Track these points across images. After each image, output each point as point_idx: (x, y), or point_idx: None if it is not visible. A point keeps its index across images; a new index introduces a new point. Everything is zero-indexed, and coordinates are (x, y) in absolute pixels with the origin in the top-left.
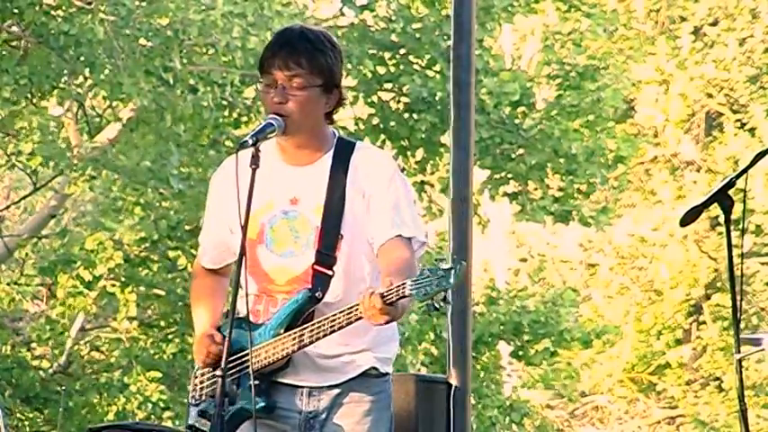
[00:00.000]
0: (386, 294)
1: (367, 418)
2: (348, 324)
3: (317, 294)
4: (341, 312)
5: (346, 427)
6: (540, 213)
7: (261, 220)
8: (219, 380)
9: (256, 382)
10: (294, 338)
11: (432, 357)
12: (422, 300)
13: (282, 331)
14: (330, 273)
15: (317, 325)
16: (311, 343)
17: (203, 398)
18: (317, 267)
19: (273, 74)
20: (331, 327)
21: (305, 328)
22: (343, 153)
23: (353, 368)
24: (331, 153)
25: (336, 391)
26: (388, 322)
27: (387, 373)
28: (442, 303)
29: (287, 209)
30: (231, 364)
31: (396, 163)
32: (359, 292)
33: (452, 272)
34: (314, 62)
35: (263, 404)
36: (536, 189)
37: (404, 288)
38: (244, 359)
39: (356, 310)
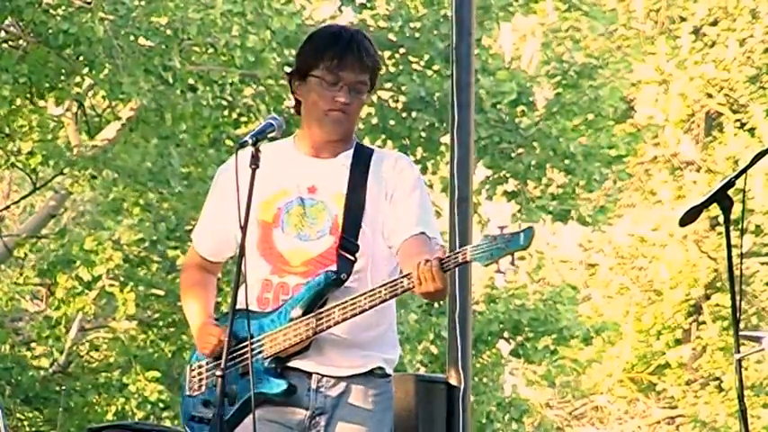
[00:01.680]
0: (444, 260)
1: (370, 417)
2: (392, 297)
3: (342, 276)
4: (382, 286)
5: (349, 426)
6: (539, 213)
7: (277, 204)
8: (219, 380)
9: (272, 365)
10: (321, 317)
11: (431, 357)
12: (486, 264)
13: (301, 313)
14: (353, 258)
15: (351, 301)
16: (344, 320)
17: (203, 389)
18: (342, 252)
19: (340, 73)
20: (371, 301)
21: (334, 306)
22: (363, 153)
23: (362, 364)
24: (351, 151)
25: (342, 386)
26: (435, 292)
27: (390, 375)
28: (509, 266)
29: (304, 196)
30: (242, 351)
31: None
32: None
33: (522, 234)
34: (376, 66)
35: (284, 386)
36: (535, 188)
37: (464, 254)
38: (255, 345)
39: (402, 281)
